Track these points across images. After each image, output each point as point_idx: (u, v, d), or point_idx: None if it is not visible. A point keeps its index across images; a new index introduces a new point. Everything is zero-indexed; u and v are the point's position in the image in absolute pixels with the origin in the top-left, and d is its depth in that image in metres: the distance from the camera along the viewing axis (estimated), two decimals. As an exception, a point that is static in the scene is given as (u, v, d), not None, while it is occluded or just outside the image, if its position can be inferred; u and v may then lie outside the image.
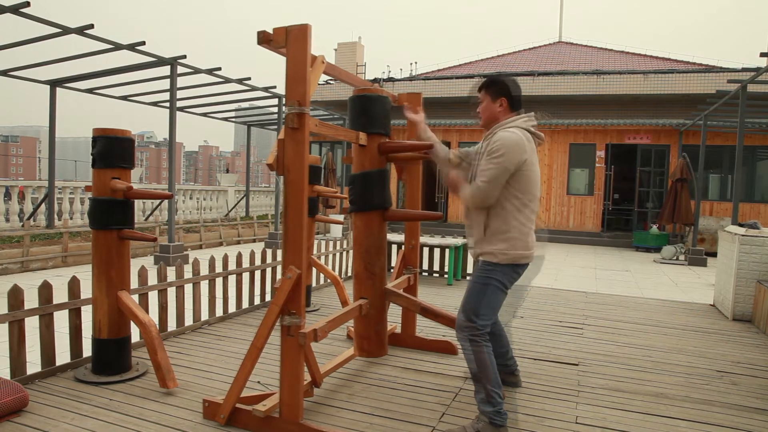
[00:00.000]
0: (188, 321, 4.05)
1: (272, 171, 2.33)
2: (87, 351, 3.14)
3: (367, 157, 2.88)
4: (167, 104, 9.06)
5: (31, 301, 2.96)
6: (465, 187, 2.52)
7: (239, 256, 4.48)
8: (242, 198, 15.39)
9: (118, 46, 7.33)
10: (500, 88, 2.56)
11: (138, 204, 11.88)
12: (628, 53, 20.09)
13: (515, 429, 2.50)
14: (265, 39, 2.28)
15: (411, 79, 18.58)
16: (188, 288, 4.11)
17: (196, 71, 8.70)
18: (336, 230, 12.89)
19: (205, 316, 4.19)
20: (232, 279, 4.46)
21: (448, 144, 15.25)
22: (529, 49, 21.84)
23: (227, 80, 9.42)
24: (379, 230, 2.93)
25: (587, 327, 4.46)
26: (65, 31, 6.75)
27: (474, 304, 2.46)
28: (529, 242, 2.47)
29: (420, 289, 3.81)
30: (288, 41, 2.26)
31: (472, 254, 2.62)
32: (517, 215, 2.43)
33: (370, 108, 2.89)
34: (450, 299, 5.46)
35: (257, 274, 4.82)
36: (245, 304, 4.64)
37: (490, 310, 2.47)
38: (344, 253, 6.42)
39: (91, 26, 6.79)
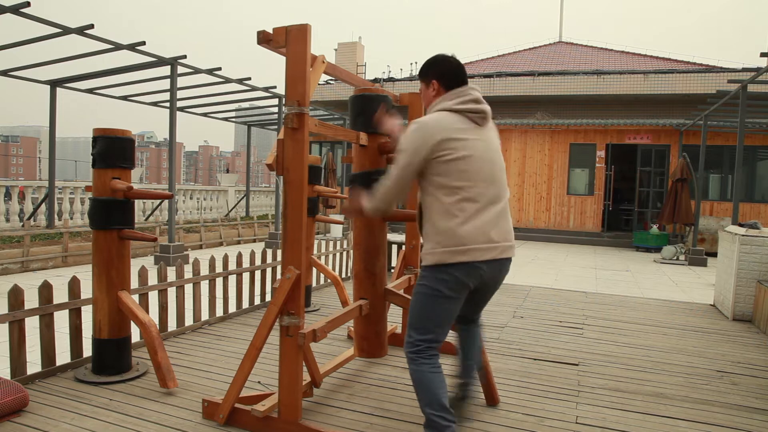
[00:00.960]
0: (188, 321, 4.05)
1: (272, 171, 2.33)
2: (87, 351, 3.15)
3: (368, 157, 2.88)
4: (167, 104, 9.06)
5: (31, 301, 2.96)
6: (363, 198, 2.26)
7: (239, 256, 4.49)
8: (242, 198, 15.39)
9: (118, 46, 7.33)
10: (429, 71, 2.24)
11: (138, 204, 11.89)
12: (629, 53, 20.09)
13: (516, 429, 2.50)
14: (264, 39, 2.28)
15: (411, 79, 18.57)
16: (188, 288, 4.11)
17: (197, 71, 8.71)
18: (336, 230, 12.89)
19: (205, 316, 4.20)
20: (232, 279, 4.46)
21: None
22: (529, 49, 21.83)
23: (227, 80, 9.42)
24: (379, 230, 2.93)
25: (587, 327, 4.46)
26: (65, 31, 6.75)
27: (410, 317, 2.16)
28: (465, 237, 2.01)
29: (420, 289, 3.79)
30: (288, 41, 2.26)
31: None
32: (445, 205, 2.04)
33: (371, 108, 2.89)
34: (450, 299, 5.45)
35: (257, 274, 4.82)
36: (245, 304, 4.64)
37: (426, 322, 2.11)
38: (344, 253, 6.42)
39: (92, 26, 6.79)
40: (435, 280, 2.07)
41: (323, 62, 2.54)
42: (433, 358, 2.10)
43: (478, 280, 2.10)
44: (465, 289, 2.10)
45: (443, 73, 2.20)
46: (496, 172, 2.12)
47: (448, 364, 3.38)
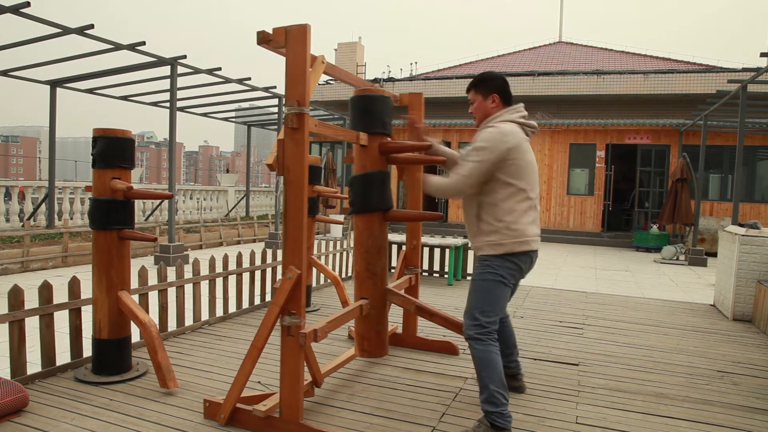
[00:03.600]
0: (188, 321, 4.05)
1: (272, 171, 2.33)
2: (87, 351, 3.14)
3: (368, 158, 2.88)
4: (167, 104, 9.06)
5: (31, 301, 2.96)
6: (431, 177, 2.59)
7: (239, 256, 4.48)
8: (242, 198, 15.39)
9: (118, 46, 7.33)
10: (491, 85, 2.56)
11: (138, 204, 11.89)
12: (629, 53, 20.09)
13: (516, 429, 2.49)
14: (264, 39, 2.28)
15: (411, 79, 18.58)
16: (188, 288, 4.11)
17: (197, 71, 8.71)
18: (336, 230, 12.89)
19: (205, 316, 4.19)
20: (232, 279, 4.46)
21: (448, 144, 15.29)
22: (529, 49, 21.83)
23: (227, 80, 9.42)
24: (380, 231, 2.93)
25: (587, 327, 4.46)
26: (65, 31, 6.75)
27: (476, 302, 2.44)
28: (525, 230, 2.42)
29: (420, 290, 3.81)
30: (288, 41, 2.26)
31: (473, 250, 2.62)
32: (510, 203, 2.41)
33: (372, 108, 2.88)
34: (450, 299, 5.46)
35: (257, 274, 4.82)
36: (245, 304, 4.64)
37: (493, 305, 2.42)
38: (344, 253, 6.42)
39: (92, 26, 6.79)
40: (502, 267, 2.42)
41: (323, 62, 2.53)
42: (496, 341, 2.42)
43: (529, 268, 2.51)
44: (520, 276, 2.51)
45: (504, 89, 2.56)
46: (537, 177, 2.55)
47: (448, 364, 3.39)
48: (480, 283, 2.45)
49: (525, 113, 2.56)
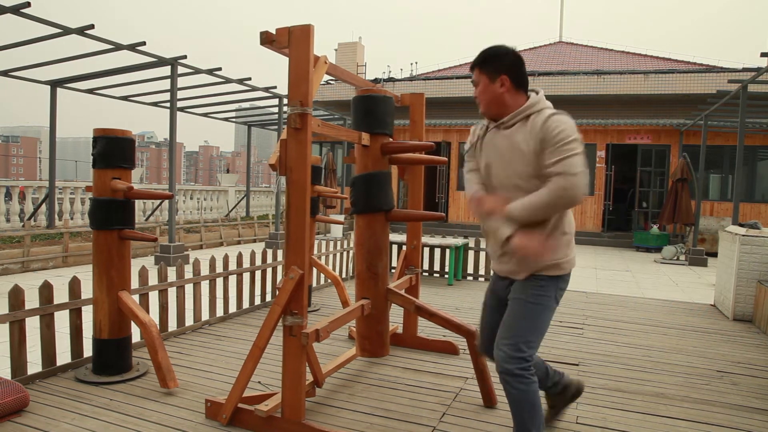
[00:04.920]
0: (189, 321, 4.05)
1: (274, 171, 2.33)
2: (87, 351, 3.15)
3: (370, 158, 2.88)
4: (168, 104, 9.06)
5: (31, 301, 2.96)
6: (527, 201, 1.92)
7: (240, 257, 4.49)
8: (243, 198, 15.38)
9: (118, 47, 7.33)
10: (499, 64, 2.02)
11: (138, 204, 11.89)
12: (629, 53, 20.10)
13: (516, 429, 2.49)
14: (268, 39, 2.28)
15: (411, 79, 18.58)
16: (189, 288, 4.11)
17: (197, 71, 8.70)
18: (336, 230, 12.89)
19: (205, 316, 4.20)
20: (232, 279, 4.46)
21: (448, 144, 15.30)
22: (529, 49, 21.82)
23: (228, 80, 9.42)
24: (381, 231, 2.93)
25: (587, 327, 4.46)
26: (66, 31, 6.75)
27: (524, 330, 1.97)
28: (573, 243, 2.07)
29: (421, 289, 3.81)
30: (291, 42, 2.26)
31: (517, 271, 2.04)
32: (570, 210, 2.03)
33: (374, 108, 2.89)
34: (450, 299, 5.46)
35: (258, 274, 4.82)
36: (245, 305, 4.64)
37: (539, 336, 2.01)
38: (345, 254, 6.42)
39: (92, 26, 6.79)
40: (557, 290, 2.04)
41: (325, 63, 2.54)
42: (535, 375, 1.99)
43: None
44: None
45: (516, 69, 2.04)
46: None
47: (449, 365, 3.39)
48: (533, 308, 1.98)
49: None
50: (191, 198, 14.17)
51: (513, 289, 2.07)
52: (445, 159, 3.53)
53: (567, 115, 1.95)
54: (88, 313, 3.20)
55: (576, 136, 1.89)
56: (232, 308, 4.51)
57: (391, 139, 2.94)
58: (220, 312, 4.36)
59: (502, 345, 1.97)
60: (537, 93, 2.05)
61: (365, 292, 2.91)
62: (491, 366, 2.34)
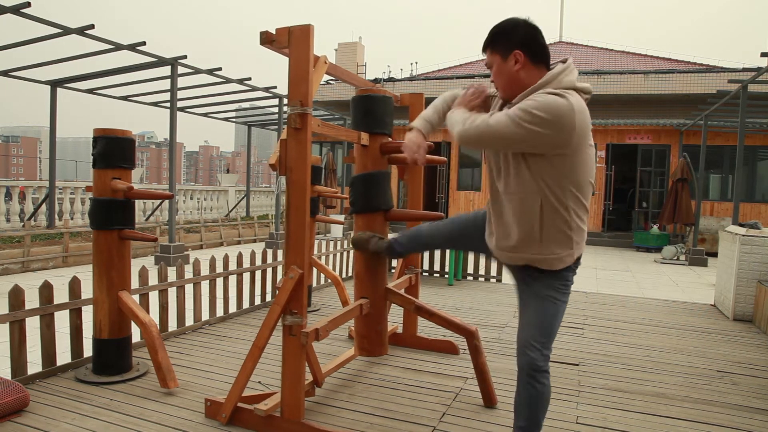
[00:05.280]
0: (189, 321, 4.05)
1: (274, 171, 2.33)
2: (88, 351, 3.15)
3: (369, 158, 2.88)
4: (168, 104, 9.06)
5: (31, 301, 2.96)
6: (458, 114, 1.90)
7: (240, 257, 4.49)
8: (243, 198, 15.39)
9: (118, 47, 7.33)
10: (511, 39, 1.81)
11: (139, 204, 11.89)
12: (629, 53, 20.09)
13: (516, 429, 2.50)
14: (268, 39, 2.28)
15: (411, 79, 18.58)
16: (189, 288, 4.11)
17: (197, 71, 8.71)
18: (336, 230, 12.89)
19: (205, 316, 4.20)
20: (232, 279, 4.46)
21: (448, 144, 15.30)
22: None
23: (228, 80, 9.42)
24: (380, 231, 2.93)
25: (588, 327, 4.46)
26: (66, 31, 6.75)
27: (547, 330, 1.94)
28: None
29: (420, 289, 3.81)
30: (291, 42, 2.26)
31: (555, 261, 1.89)
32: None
33: (373, 108, 2.89)
34: (450, 299, 5.46)
35: (258, 274, 4.82)
36: (246, 304, 4.64)
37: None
38: (344, 254, 6.42)
39: (92, 26, 6.79)
40: (568, 285, 1.96)
41: (325, 63, 2.54)
42: None
43: None
44: None
45: (530, 41, 1.85)
46: None
47: (449, 364, 3.39)
48: (553, 308, 1.93)
49: (577, 72, 1.85)
50: (191, 198, 14.17)
51: (538, 284, 1.95)
52: (444, 159, 3.53)
53: (569, 99, 1.69)
54: (88, 313, 3.19)
55: (541, 115, 1.65)
56: (232, 308, 4.51)
57: (390, 139, 2.94)
58: (220, 312, 4.36)
59: (538, 344, 1.91)
60: (564, 62, 1.83)
61: (364, 291, 2.91)
62: (492, 366, 2.33)
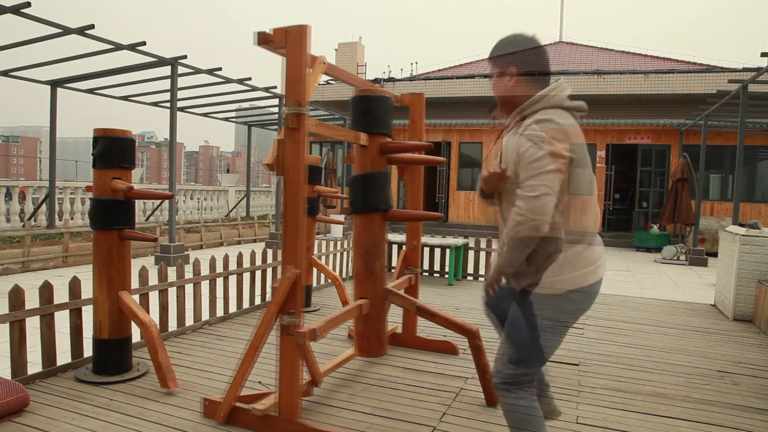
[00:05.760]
0: (189, 321, 4.05)
1: (271, 171, 2.33)
2: (88, 351, 3.15)
3: (369, 158, 2.88)
4: (168, 104, 9.06)
5: (32, 301, 2.96)
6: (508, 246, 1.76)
7: (240, 257, 4.49)
8: (243, 198, 15.39)
9: (118, 47, 7.33)
10: (507, 55, 1.87)
11: (139, 204, 11.88)
12: (629, 53, 20.08)
13: (515, 429, 2.49)
14: (264, 40, 2.28)
15: (411, 79, 18.58)
16: (189, 288, 4.11)
17: (197, 71, 8.71)
18: (336, 230, 12.89)
19: (205, 316, 4.20)
20: (232, 279, 4.46)
21: (448, 144, 15.30)
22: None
23: (228, 80, 9.42)
24: (379, 231, 2.93)
25: (588, 327, 4.46)
26: (66, 31, 6.75)
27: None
28: None
29: (420, 290, 3.81)
30: (287, 42, 2.26)
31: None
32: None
33: (372, 108, 2.89)
34: (450, 299, 5.46)
35: (258, 274, 4.82)
36: (246, 304, 4.64)
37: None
38: (345, 253, 6.42)
39: (92, 26, 6.79)
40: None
41: (323, 63, 2.54)
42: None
43: None
44: None
45: (523, 56, 1.89)
46: None
47: (449, 364, 3.39)
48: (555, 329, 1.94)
49: (569, 91, 1.83)
50: (191, 198, 14.17)
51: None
52: (443, 159, 3.53)
53: (555, 121, 1.70)
54: (88, 313, 3.20)
55: (544, 151, 1.64)
56: (232, 308, 4.51)
57: (389, 139, 2.94)
58: (220, 312, 4.36)
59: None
60: (551, 93, 1.80)
61: (363, 291, 2.91)
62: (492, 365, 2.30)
